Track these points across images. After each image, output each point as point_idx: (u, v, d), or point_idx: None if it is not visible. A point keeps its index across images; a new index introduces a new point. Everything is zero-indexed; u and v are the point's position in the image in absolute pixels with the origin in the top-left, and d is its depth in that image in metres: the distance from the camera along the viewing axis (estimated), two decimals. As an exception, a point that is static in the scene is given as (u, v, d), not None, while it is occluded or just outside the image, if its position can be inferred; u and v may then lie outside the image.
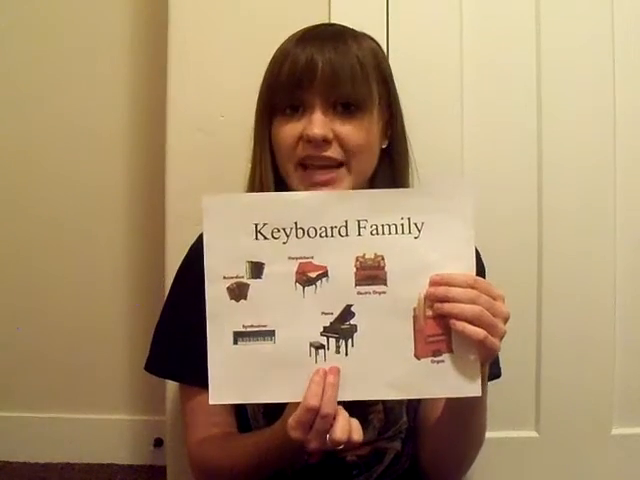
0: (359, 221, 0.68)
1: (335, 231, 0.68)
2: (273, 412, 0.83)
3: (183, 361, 0.83)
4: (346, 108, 0.78)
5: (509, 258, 1.14)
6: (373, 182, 0.84)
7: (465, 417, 0.77)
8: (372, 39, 0.86)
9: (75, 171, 1.47)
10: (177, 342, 0.85)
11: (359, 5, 1.12)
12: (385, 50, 0.93)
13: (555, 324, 1.16)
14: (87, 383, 1.49)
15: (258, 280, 0.67)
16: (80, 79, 1.46)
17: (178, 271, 0.89)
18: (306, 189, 0.78)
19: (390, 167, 0.85)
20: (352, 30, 0.83)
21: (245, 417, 0.87)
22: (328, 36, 0.80)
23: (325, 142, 0.76)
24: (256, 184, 0.83)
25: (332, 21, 1.09)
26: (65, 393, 1.49)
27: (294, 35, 0.82)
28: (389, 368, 0.67)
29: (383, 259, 0.67)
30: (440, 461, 0.86)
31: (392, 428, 0.86)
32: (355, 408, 0.78)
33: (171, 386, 1.13)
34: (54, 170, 1.48)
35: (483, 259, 0.86)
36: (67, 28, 1.46)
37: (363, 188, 0.83)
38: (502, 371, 0.89)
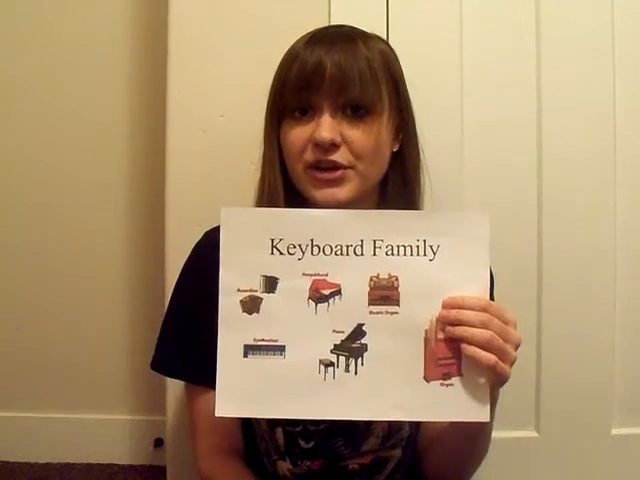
0: (375, 241, 0.68)
1: (350, 250, 0.68)
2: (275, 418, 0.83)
3: (189, 360, 0.82)
4: (355, 111, 0.76)
5: (509, 256, 1.13)
6: (384, 186, 0.83)
7: (470, 436, 0.77)
8: (383, 40, 0.85)
9: (75, 171, 1.47)
10: (183, 341, 0.84)
11: (359, 5, 1.12)
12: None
13: (555, 323, 1.16)
14: (87, 383, 1.48)
15: (272, 294, 0.68)
16: (80, 80, 1.46)
17: (183, 270, 0.88)
18: (315, 190, 0.77)
19: (401, 171, 0.84)
20: (362, 31, 0.82)
21: (249, 419, 0.87)
22: (337, 38, 0.79)
23: (333, 146, 0.75)
24: (266, 186, 0.82)
25: (332, 21, 1.09)
26: (65, 393, 1.49)
27: (303, 37, 0.81)
28: (398, 389, 0.67)
29: (397, 280, 0.67)
30: (442, 472, 0.86)
31: (395, 437, 0.86)
32: None
33: (171, 386, 1.13)
34: (54, 170, 1.48)
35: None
36: (67, 28, 1.46)
37: (373, 192, 0.82)
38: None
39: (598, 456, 1.18)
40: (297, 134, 0.77)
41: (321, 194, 0.77)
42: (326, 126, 0.75)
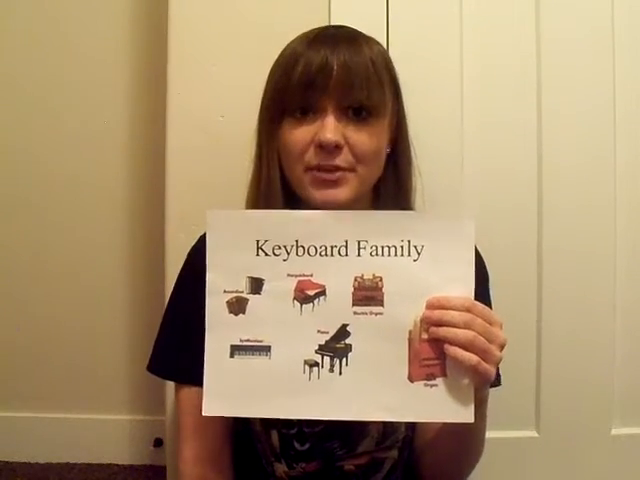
0: (359, 242, 0.68)
1: (335, 250, 0.68)
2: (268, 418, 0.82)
3: (184, 363, 0.81)
4: (358, 114, 0.76)
5: (509, 257, 1.14)
6: (377, 187, 0.83)
7: (463, 437, 0.77)
8: (379, 42, 0.84)
9: (75, 171, 1.47)
10: (178, 344, 0.84)
11: (359, 5, 1.12)
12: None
13: (555, 324, 1.16)
14: (87, 383, 1.49)
15: (257, 295, 0.68)
16: (80, 80, 1.46)
17: (179, 274, 0.88)
18: (315, 190, 0.77)
19: (394, 172, 0.83)
20: (360, 32, 0.81)
21: (245, 420, 0.86)
22: (341, 38, 0.78)
23: (337, 148, 0.74)
24: (263, 184, 0.81)
25: (332, 21, 1.09)
26: (65, 393, 1.49)
27: (303, 36, 0.79)
28: (382, 389, 0.67)
29: (381, 280, 0.67)
30: (438, 473, 0.86)
31: (390, 438, 0.85)
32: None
33: (171, 386, 1.12)
34: (54, 170, 1.48)
35: (487, 266, 0.86)
36: (67, 28, 1.46)
37: (368, 193, 0.82)
38: (502, 380, 0.86)
39: (598, 456, 1.18)
40: (299, 135, 0.76)
41: (321, 194, 0.76)
42: (331, 128, 0.74)
